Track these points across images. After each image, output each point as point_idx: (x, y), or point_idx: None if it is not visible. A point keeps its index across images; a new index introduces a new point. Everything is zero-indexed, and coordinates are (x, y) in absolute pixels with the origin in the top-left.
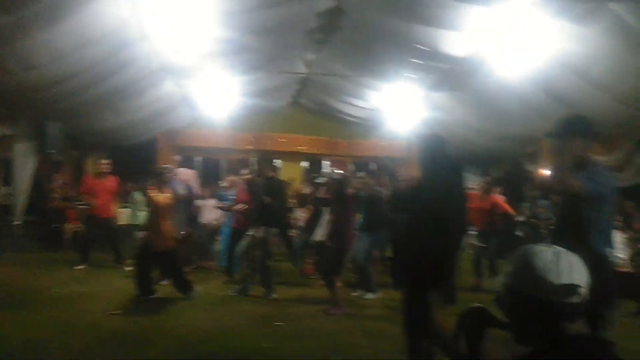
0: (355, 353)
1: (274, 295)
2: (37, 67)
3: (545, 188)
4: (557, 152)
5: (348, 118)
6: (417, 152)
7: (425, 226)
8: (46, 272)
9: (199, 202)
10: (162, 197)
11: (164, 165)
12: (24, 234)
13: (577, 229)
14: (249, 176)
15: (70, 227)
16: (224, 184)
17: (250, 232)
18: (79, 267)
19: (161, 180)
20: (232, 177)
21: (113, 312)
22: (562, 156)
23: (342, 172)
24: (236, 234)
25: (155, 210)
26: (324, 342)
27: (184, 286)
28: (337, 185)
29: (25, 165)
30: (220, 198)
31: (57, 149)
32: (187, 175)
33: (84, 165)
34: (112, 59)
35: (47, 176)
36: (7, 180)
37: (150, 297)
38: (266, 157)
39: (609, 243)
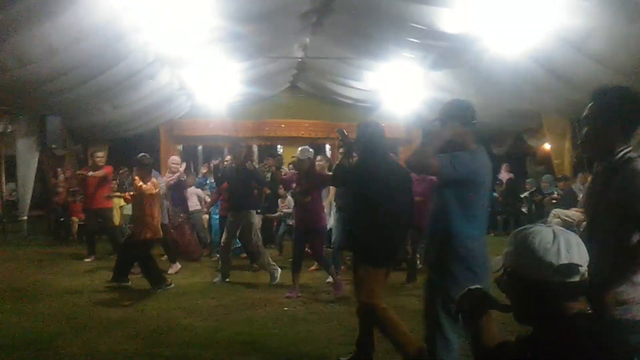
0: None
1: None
2: (33, 63)
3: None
4: (436, 135)
5: (347, 101)
6: (357, 137)
7: (360, 204)
8: (53, 266)
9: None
10: (146, 186)
11: (144, 154)
12: (31, 229)
13: (438, 208)
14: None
15: (76, 220)
16: (203, 170)
17: (230, 218)
18: (87, 260)
19: (145, 168)
20: (212, 163)
21: (124, 303)
22: (438, 138)
23: (310, 151)
24: (223, 221)
25: (140, 199)
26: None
27: (156, 280)
28: (307, 165)
29: (28, 160)
30: (199, 185)
31: (58, 143)
32: (175, 164)
33: (86, 158)
34: (107, 52)
35: (51, 171)
36: (12, 176)
37: (123, 284)
38: (239, 144)
39: (472, 226)
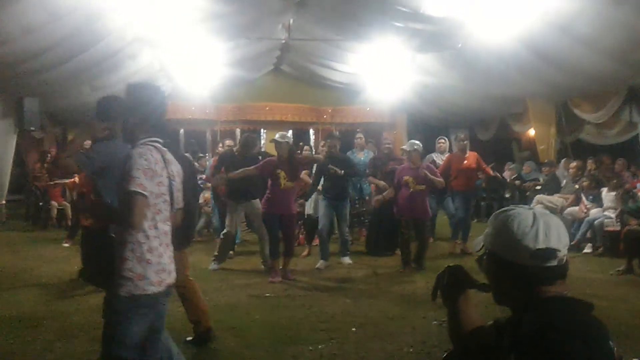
0: (344, 321)
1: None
2: (7, 42)
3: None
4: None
5: (332, 84)
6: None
7: None
8: (32, 251)
9: None
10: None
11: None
12: (10, 213)
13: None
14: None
15: (55, 205)
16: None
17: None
18: (65, 245)
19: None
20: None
21: (103, 289)
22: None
23: (290, 135)
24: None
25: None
26: (310, 311)
27: None
28: (286, 150)
29: (5, 143)
30: None
31: (36, 125)
32: None
33: (66, 141)
34: (85, 32)
35: (29, 154)
36: None
37: None
38: (250, 133)
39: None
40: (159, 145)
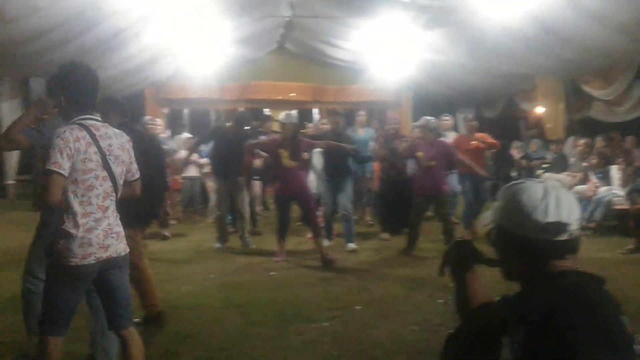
0: (349, 299)
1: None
2: (13, 21)
3: None
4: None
5: (336, 62)
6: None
7: None
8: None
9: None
10: None
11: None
12: (17, 193)
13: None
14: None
15: None
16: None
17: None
18: None
19: None
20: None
21: None
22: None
23: (296, 115)
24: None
25: None
26: (314, 290)
27: None
28: (292, 131)
29: None
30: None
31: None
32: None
33: None
34: (90, 11)
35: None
36: None
37: None
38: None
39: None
40: (93, 122)
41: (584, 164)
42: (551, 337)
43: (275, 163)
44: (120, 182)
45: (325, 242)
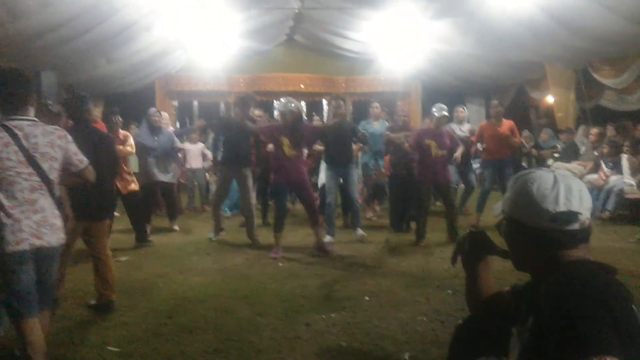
0: (358, 290)
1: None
2: (25, 16)
3: None
4: None
5: (345, 53)
6: None
7: None
8: None
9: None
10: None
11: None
12: None
13: None
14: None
15: None
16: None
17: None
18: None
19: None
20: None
21: (119, 258)
22: None
23: (295, 103)
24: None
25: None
26: (322, 280)
27: (140, 234)
28: (291, 118)
29: None
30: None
31: (54, 99)
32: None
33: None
34: (101, 4)
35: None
36: None
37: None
38: (242, 98)
39: None
40: (18, 122)
41: (595, 153)
42: (561, 326)
43: (276, 151)
44: (52, 176)
45: (328, 238)
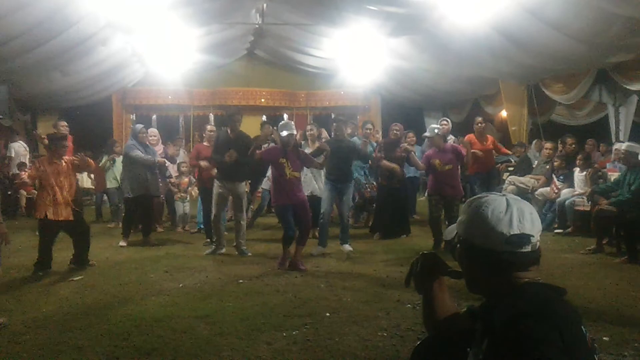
0: (318, 306)
1: (248, 253)
2: None
3: None
4: None
5: (306, 68)
6: None
7: None
8: None
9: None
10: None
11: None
12: None
13: None
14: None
15: (24, 194)
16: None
17: (216, 190)
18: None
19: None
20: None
21: (73, 278)
22: None
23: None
24: (204, 193)
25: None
26: (284, 297)
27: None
28: (294, 141)
29: None
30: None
31: (5, 113)
32: (153, 136)
33: (35, 129)
34: (56, 18)
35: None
36: None
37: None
38: (231, 112)
39: None
40: None
41: (547, 167)
42: (513, 349)
43: (277, 173)
44: None
45: (320, 249)
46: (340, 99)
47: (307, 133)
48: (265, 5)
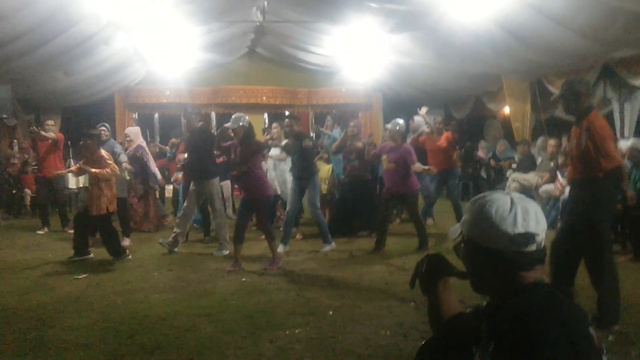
0: (321, 304)
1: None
2: None
3: None
4: None
5: (307, 66)
6: None
7: None
8: (6, 239)
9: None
10: (101, 171)
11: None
12: None
13: None
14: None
15: (29, 192)
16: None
17: (192, 187)
18: (40, 232)
19: (95, 143)
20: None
21: (77, 276)
22: None
23: (245, 119)
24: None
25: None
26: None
27: (116, 251)
28: (241, 133)
29: None
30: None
31: (9, 113)
32: (127, 137)
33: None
34: (58, 17)
35: (5, 141)
36: None
37: (85, 257)
38: (192, 109)
39: None
40: None
41: (551, 164)
42: (520, 351)
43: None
44: None
45: (281, 248)
46: (341, 97)
47: (272, 131)
48: (266, 3)
